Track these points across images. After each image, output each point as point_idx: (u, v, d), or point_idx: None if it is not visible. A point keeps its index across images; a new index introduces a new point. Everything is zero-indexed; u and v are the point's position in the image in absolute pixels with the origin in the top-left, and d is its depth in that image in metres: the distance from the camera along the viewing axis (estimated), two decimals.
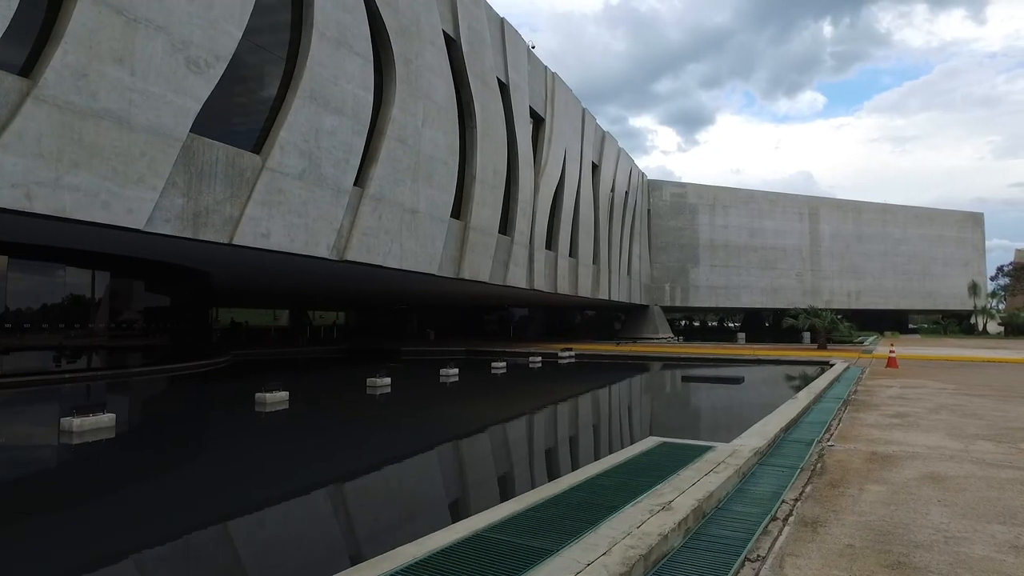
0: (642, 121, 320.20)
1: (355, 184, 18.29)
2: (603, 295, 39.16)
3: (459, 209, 23.95)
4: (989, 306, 61.29)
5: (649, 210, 51.48)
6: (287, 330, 45.05)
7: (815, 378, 18.89)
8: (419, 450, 9.35)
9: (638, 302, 47.95)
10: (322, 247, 17.01)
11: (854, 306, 56.50)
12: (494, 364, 20.12)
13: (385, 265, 19.29)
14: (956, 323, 60.94)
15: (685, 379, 19.82)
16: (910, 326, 75.13)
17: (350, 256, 17.94)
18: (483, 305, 50.30)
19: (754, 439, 6.75)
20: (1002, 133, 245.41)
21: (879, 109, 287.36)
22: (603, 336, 48.71)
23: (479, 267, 24.33)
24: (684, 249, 52.61)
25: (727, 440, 6.89)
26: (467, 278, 23.54)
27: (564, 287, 32.89)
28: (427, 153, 21.25)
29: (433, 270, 21.62)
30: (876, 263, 59.04)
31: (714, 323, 79.15)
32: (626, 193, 44.64)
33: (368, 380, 14.76)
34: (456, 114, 23.12)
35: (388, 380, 14.98)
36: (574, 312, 62.37)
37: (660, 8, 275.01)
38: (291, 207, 15.94)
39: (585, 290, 36.09)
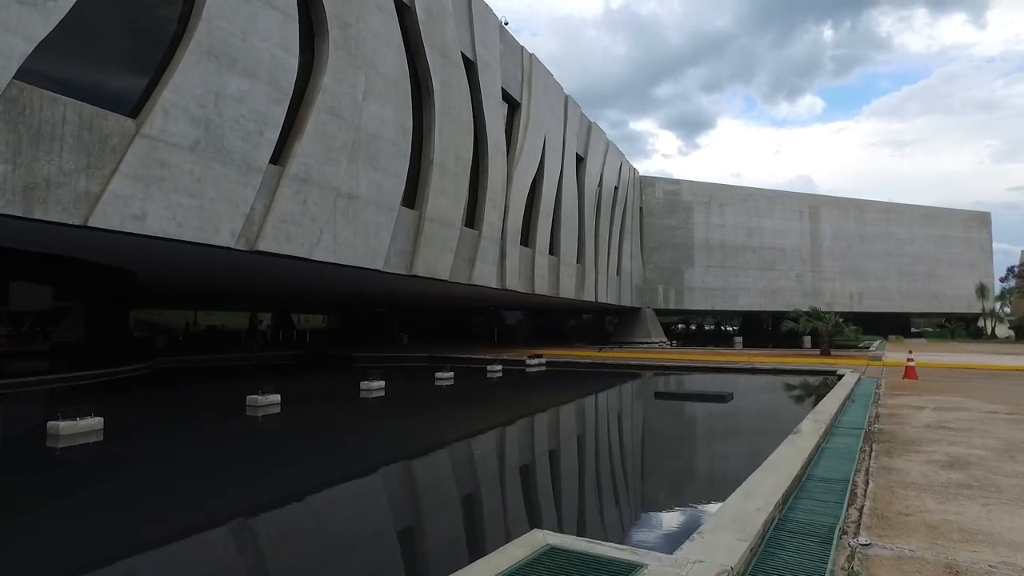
0: (643, 125, 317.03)
1: (273, 162, 15.18)
2: (588, 297, 35.93)
3: (413, 197, 20.82)
4: (997, 309, 57.85)
5: (641, 208, 48.28)
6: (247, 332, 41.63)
7: (821, 392, 15.64)
8: (170, 537, 5.57)
9: (629, 304, 44.70)
10: (224, 234, 13.88)
11: (856, 308, 53.13)
12: (439, 375, 16.91)
13: (312, 258, 16.15)
14: (963, 326, 57.49)
15: (658, 396, 16.27)
16: (912, 329, 71.70)
17: (264, 246, 14.81)
18: (469, 308, 47.13)
19: (723, 539, 3.56)
20: (1001, 137, 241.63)
21: (878, 113, 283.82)
22: (598, 340, 45.44)
23: (437, 263, 21.17)
24: (678, 249, 49.36)
25: (676, 534, 3.72)
26: (422, 275, 20.37)
27: (543, 287, 29.69)
28: (370, 131, 18.14)
29: (377, 265, 18.47)
30: (879, 264, 55.72)
31: (711, 327, 75.73)
32: (615, 189, 41.46)
33: (249, 398, 11.57)
34: (409, 90, 20.01)
35: (276, 398, 11.80)
36: (568, 315, 59.19)
37: (660, 12, 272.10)
38: (179, 185, 12.82)
39: (568, 291, 32.88)
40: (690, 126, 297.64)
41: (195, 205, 13.17)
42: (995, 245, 63.83)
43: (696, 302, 49.80)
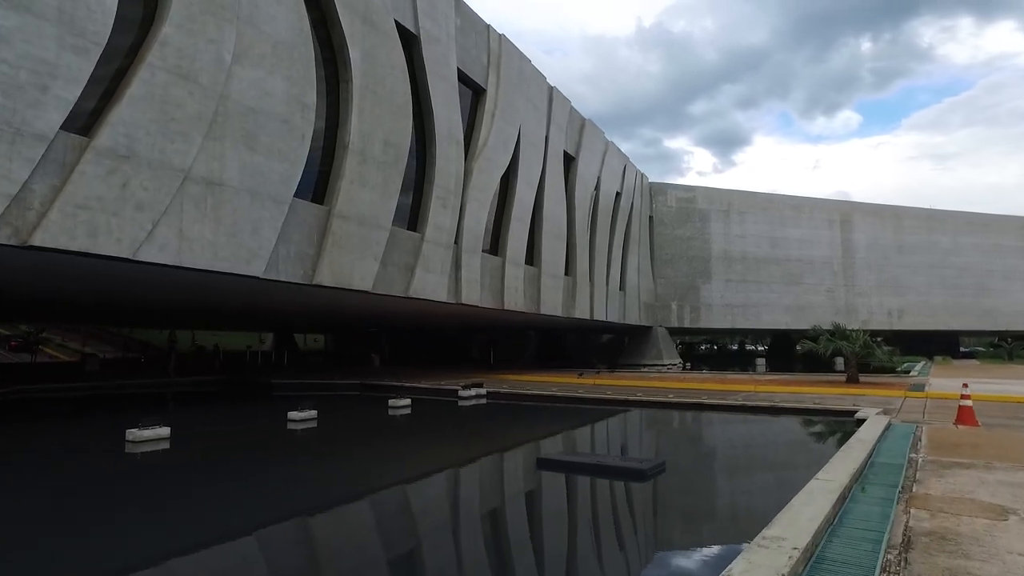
0: (677, 143, 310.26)
1: (72, 130, 11.06)
2: (581, 314, 30.93)
3: (322, 189, 16.54)
4: None
5: (651, 217, 43.11)
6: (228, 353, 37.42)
7: (821, 449, 10.40)
8: None
9: (636, 323, 39.39)
10: None
11: (896, 326, 46.55)
12: (292, 415, 12.27)
13: (136, 259, 11.87)
14: (1022, 346, 49.97)
15: (541, 465, 10.04)
16: (962, 349, 63.90)
17: (46, 240, 10.59)
18: (465, 327, 42.55)
19: None
20: None
21: (918, 126, 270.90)
22: (613, 362, 40.15)
23: (352, 270, 16.72)
24: (693, 262, 43.86)
25: None
26: (327, 284, 15.94)
27: (516, 303, 24.94)
28: (245, 102, 13.91)
29: (255, 271, 14.12)
30: (921, 277, 48.95)
31: (735, 347, 69.05)
32: (617, 194, 36.50)
33: None
34: (312, 58, 15.78)
35: None
36: (588, 335, 53.83)
37: (693, 30, 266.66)
38: None
39: (553, 307, 28.02)
40: (725, 143, 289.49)
41: None
42: None
43: (714, 320, 44.07)
